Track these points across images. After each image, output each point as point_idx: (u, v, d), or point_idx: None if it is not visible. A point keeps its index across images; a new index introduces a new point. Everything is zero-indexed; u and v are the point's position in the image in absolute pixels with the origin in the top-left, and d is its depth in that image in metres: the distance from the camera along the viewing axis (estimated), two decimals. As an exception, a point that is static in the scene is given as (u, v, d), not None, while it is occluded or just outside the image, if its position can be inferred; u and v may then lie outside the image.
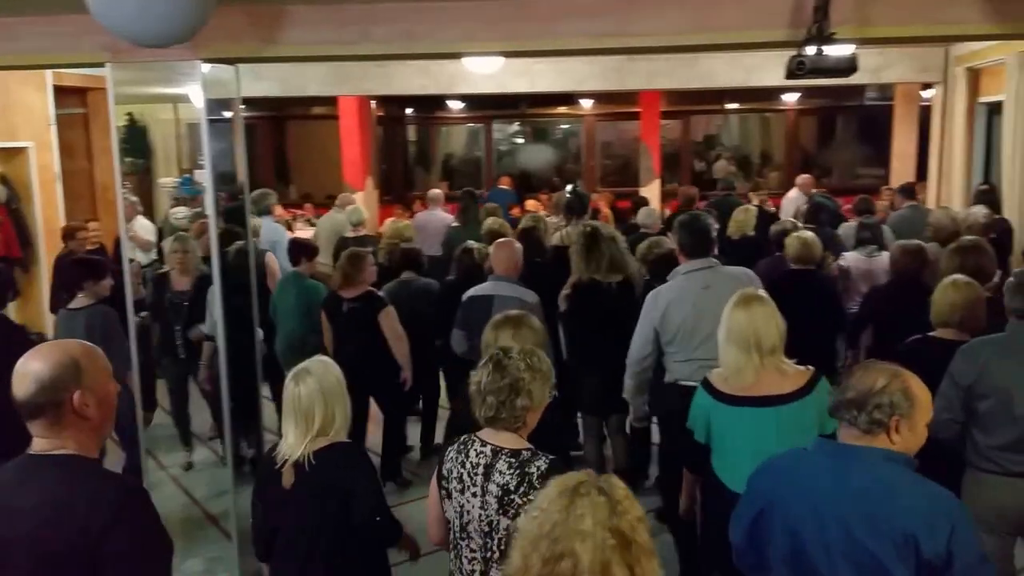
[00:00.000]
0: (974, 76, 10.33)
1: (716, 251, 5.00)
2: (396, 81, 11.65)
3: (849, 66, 4.32)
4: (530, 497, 2.77)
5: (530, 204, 13.39)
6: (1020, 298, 3.76)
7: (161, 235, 9.06)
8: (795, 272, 6.12)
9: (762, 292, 3.76)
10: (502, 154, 17.62)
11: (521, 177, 15.98)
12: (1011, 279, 3.88)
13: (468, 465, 2.95)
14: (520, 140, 18.03)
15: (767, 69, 10.35)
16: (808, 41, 4.40)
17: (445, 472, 3.02)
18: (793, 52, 4.64)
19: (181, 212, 9.47)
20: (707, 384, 3.71)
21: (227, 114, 6.31)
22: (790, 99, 16.03)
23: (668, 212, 10.66)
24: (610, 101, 16.03)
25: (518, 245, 5.81)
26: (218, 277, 5.34)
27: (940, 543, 2.43)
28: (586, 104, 16.40)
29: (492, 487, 2.87)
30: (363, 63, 11.04)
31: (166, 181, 11.72)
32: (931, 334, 4.30)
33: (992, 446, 3.72)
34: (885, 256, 6.90)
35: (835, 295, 6.30)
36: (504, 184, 14.39)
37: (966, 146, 10.41)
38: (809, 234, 6.33)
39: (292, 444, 3.29)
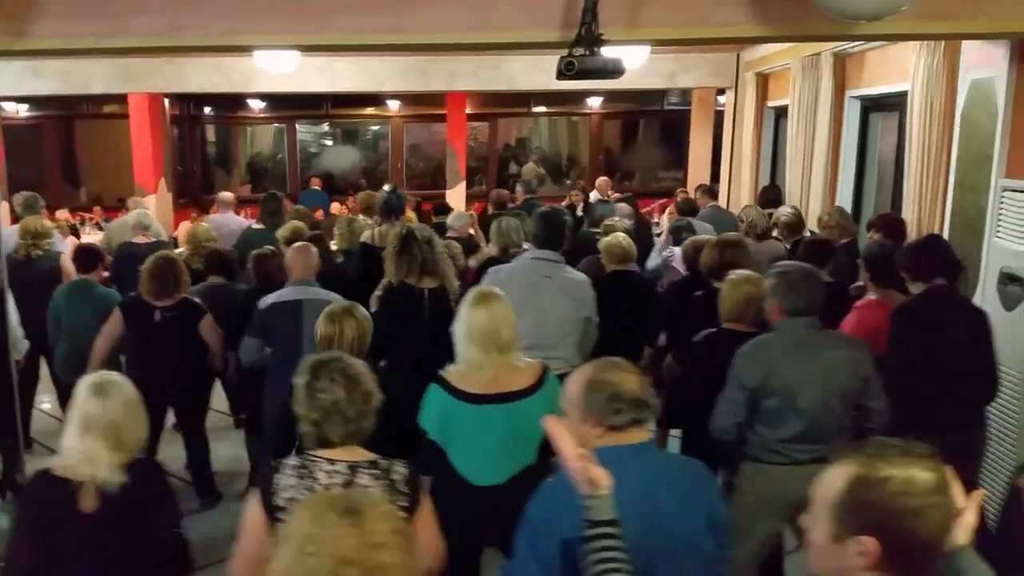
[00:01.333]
0: (763, 81, 10.82)
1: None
2: (187, 79, 11.15)
3: (615, 68, 4.33)
4: (403, 504, 2.70)
5: (334, 207, 13.03)
6: (795, 296, 3.83)
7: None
8: (617, 272, 6.18)
9: (497, 290, 3.77)
10: (310, 155, 17.21)
11: (327, 179, 15.65)
12: (774, 281, 3.92)
13: (319, 488, 2.69)
14: (328, 141, 17.66)
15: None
16: (577, 42, 4.37)
17: (283, 503, 2.68)
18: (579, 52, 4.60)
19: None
20: (444, 383, 3.61)
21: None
22: (595, 103, 16.37)
23: (475, 214, 10.57)
24: (418, 103, 15.92)
25: (315, 248, 5.65)
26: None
27: (722, 506, 2.64)
28: (393, 105, 16.23)
29: None
30: (150, 59, 10.54)
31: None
32: (725, 326, 4.43)
33: (778, 439, 3.82)
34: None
35: (652, 295, 6.45)
36: (316, 185, 14.08)
37: (755, 148, 10.90)
38: (624, 235, 6.40)
39: (95, 462, 2.97)
